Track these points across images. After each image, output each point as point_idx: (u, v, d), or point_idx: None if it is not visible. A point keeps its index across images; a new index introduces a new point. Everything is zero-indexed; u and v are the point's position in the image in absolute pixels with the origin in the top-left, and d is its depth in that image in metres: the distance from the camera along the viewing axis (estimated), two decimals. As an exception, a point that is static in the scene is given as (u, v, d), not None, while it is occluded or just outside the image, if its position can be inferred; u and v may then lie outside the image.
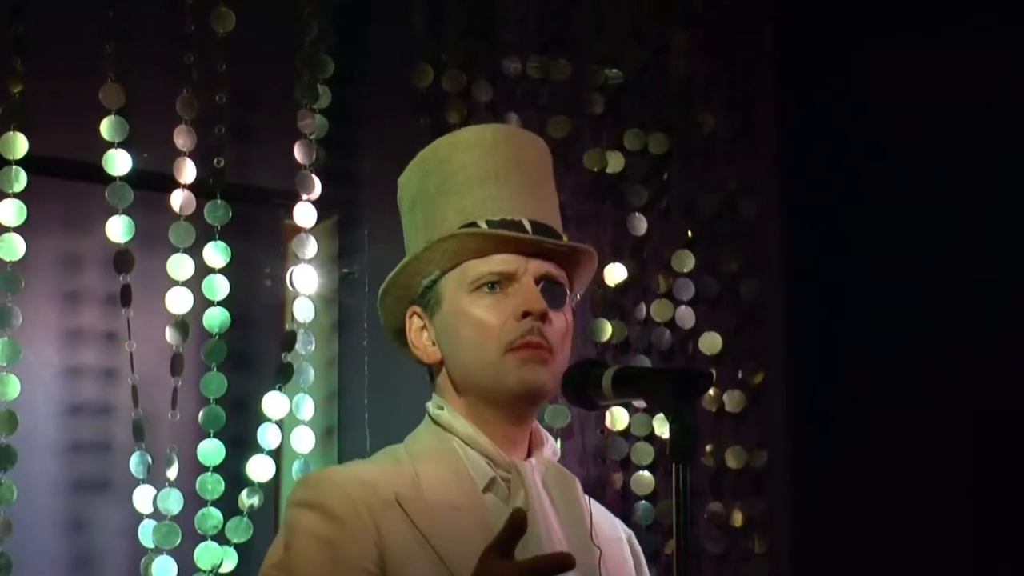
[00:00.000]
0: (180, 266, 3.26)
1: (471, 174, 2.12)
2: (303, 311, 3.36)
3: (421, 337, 2.15)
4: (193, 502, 3.21)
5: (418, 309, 2.15)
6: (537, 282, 2.09)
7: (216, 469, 3.23)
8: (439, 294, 2.12)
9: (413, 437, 2.16)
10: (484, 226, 2.09)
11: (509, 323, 2.06)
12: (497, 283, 2.09)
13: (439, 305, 2.12)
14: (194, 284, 3.27)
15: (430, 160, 2.18)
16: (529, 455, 2.12)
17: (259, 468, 3.27)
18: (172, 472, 3.19)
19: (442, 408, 2.13)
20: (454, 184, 2.12)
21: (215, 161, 3.32)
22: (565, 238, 2.17)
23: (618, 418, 3.69)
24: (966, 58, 3.74)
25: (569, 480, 2.12)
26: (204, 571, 3.19)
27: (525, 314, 2.06)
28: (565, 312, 2.11)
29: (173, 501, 3.18)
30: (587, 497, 2.19)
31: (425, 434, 2.14)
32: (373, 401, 3.46)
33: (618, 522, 2.27)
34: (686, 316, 3.82)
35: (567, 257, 2.14)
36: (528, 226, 2.09)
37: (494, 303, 2.08)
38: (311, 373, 3.36)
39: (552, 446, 2.16)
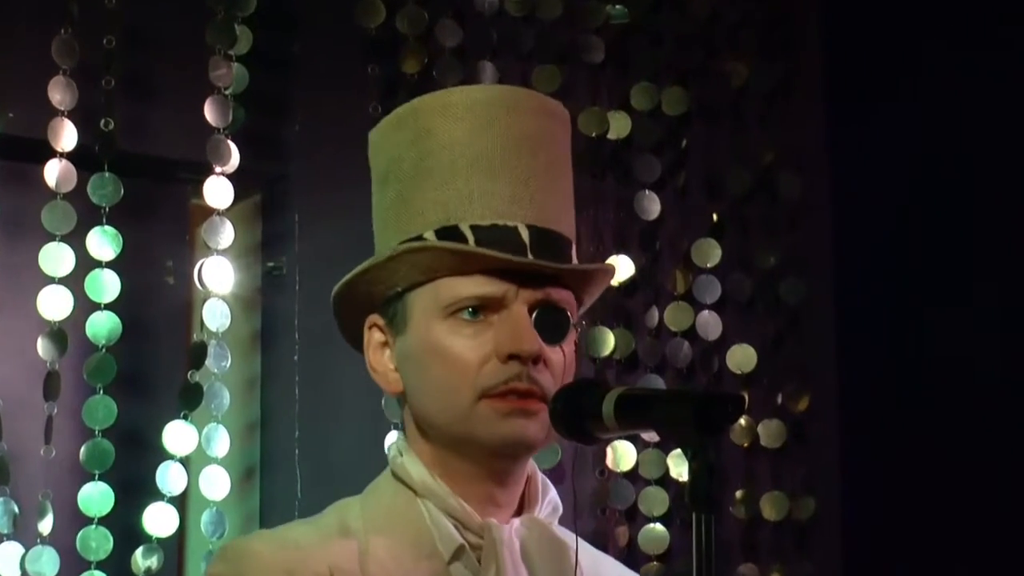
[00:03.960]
0: (56, 259, 3.28)
1: (457, 155, 2.10)
2: (216, 317, 3.38)
3: (381, 356, 2.16)
4: (72, 563, 3.22)
5: (379, 320, 2.15)
6: (531, 310, 2.08)
7: (102, 521, 3.24)
8: (406, 310, 2.12)
9: (373, 490, 2.17)
10: (468, 233, 2.08)
11: (491, 364, 2.06)
12: (479, 308, 2.08)
13: (405, 324, 2.12)
14: (75, 282, 3.28)
15: (410, 126, 2.14)
16: (520, 512, 2.13)
17: (158, 520, 3.28)
18: (45, 525, 3.21)
19: (402, 454, 2.13)
20: (435, 165, 2.11)
21: (102, 123, 3.34)
22: (574, 248, 2.16)
23: (622, 455, 3.72)
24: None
25: (561, 548, 2.11)
26: (86, 653, 3.22)
27: (511, 356, 2.05)
28: (564, 345, 2.10)
29: (46, 562, 3.20)
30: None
31: (385, 489, 2.15)
32: (305, 433, 3.48)
33: None
34: (710, 324, 3.85)
35: (575, 274, 2.13)
36: (525, 235, 2.08)
37: (474, 334, 2.07)
38: (226, 397, 3.37)
39: (552, 502, 2.17)
